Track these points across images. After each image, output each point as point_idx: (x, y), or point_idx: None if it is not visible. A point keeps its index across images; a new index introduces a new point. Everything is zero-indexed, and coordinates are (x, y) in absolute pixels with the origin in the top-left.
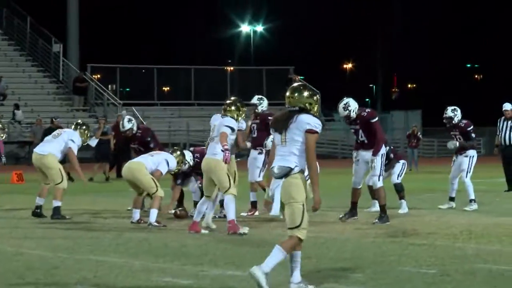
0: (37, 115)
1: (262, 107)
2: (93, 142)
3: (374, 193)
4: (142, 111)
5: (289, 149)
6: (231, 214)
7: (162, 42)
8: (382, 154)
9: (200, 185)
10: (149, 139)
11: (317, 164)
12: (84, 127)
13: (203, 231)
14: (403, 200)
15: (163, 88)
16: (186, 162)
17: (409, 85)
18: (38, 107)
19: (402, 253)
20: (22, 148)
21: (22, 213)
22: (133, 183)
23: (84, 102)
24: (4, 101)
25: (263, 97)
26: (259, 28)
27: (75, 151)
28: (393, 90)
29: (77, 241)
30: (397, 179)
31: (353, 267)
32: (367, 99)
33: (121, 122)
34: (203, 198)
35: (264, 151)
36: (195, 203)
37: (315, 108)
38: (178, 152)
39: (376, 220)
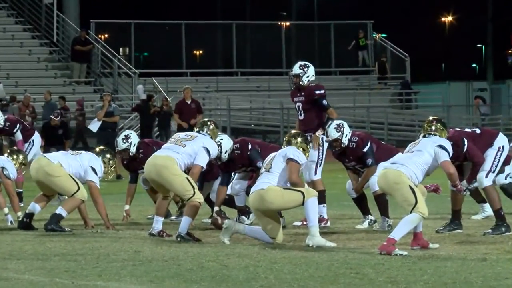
0: (24, 90)
1: (307, 77)
2: (95, 126)
3: (476, 195)
4: (166, 83)
5: None
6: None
7: None
8: (500, 147)
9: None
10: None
11: None
12: (108, 155)
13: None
14: None
15: (194, 52)
16: (226, 149)
17: None
18: (24, 79)
19: None
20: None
21: (6, 224)
22: (159, 184)
23: (87, 71)
24: None
25: (307, 63)
26: None
27: (98, 185)
28: (510, 51)
29: (80, 261)
30: (505, 179)
31: None
32: (474, 64)
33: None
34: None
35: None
36: (239, 209)
37: None
38: (212, 126)
39: (489, 231)
